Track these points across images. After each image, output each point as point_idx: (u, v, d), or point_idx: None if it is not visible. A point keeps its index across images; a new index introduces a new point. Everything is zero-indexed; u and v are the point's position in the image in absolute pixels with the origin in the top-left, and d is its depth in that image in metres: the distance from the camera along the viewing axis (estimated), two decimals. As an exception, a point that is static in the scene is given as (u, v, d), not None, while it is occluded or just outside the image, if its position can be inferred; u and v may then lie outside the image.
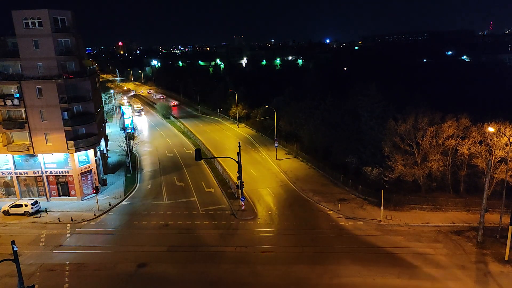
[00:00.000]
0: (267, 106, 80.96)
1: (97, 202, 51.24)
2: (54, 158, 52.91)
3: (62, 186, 54.08)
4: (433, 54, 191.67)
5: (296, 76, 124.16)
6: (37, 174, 53.18)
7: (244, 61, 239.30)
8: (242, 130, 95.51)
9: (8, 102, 49.94)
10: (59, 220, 47.57)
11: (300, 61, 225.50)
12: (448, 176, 48.40)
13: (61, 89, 50.73)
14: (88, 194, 54.77)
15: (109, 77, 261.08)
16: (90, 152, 55.10)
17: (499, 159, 43.33)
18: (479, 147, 44.98)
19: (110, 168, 67.90)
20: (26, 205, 48.77)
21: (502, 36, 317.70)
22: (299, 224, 44.79)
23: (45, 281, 35.27)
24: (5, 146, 51.40)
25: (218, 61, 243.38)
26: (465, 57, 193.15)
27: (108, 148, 74.36)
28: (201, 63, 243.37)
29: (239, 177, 48.64)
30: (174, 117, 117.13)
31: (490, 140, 43.76)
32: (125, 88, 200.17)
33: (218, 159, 66.14)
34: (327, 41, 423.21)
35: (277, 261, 37.40)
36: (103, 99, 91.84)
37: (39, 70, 50.13)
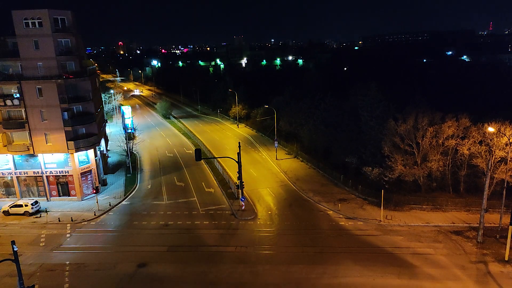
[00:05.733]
0: (267, 106, 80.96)
1: (97, 202, 51.25)
2: (54, 158, 52.90)
3: (62, 186, 54.07)
4: (433, 54, 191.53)
5: (296, 76, 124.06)
6: (37, 174, 53.17)
7: (244, 61, 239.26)
8: (242, 130, 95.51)
9: (8, 102, 49.94)
10: (59, 220, 47.57)
11: (300, 61, 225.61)
12: (448, 176, 48.39)
13: (61, 89, 50.73)
14: (88, 194, 54.77)
15: (109, 77, 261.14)
16: (90, 152, 55.10)
17: (499, 159, 43.32)
18: (479, 147, 44.98)
19: (110, 168, 67.90)
20: (26, 205, 48.76)
21: (502, 36, 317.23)
22: (299, 224, 44.79)
23: (45, 281, 35.27)
24: (5, 146, 51.40)
25: (218, 61, 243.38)
26: (465, 57, 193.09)
27: (108, 148, 74.35)
28: (201, 63, 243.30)
29: (239, 177, 48.63)
30: (174, 117, 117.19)
31: (490, 140, 43.75)
32: (125, 88, 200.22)
33: (218, 159, 66.13)
34: (327, 41, 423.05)
35: (277, 261, 37.40)
36: (103, 99, 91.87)
37: (39, 70, 50.12)
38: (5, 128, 50.87)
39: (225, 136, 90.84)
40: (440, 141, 47.56)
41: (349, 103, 65.05)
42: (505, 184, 39.57)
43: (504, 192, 38.87)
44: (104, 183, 59.98)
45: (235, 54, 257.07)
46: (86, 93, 54.16)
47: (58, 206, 51.87)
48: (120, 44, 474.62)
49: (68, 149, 51.71)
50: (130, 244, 41.67)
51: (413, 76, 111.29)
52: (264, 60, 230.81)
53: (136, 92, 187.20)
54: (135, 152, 76.68)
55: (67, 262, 38.20)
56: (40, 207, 50.27)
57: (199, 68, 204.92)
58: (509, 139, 41.02)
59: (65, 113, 51.38)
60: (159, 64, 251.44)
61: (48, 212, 49.85)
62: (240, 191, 49.21)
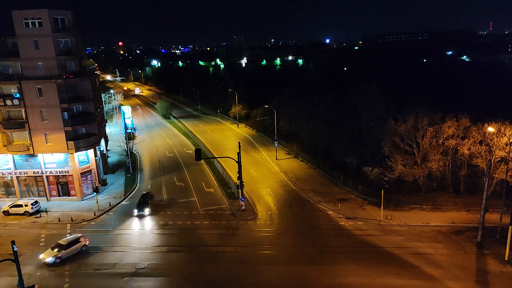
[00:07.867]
0: (267, 106, 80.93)
1: (97, 202, 51.23)
2: (54, 158, 52.89)
3: (62, 186, 54.06)
4: (433, 54, 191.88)
5: (296, 76, 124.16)
6: (37, 174, 53.16)
7: (244, 61, 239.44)
8: (242, 130, 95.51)
9: (8, 102, 49.92)
10: (59, 220, 47.57)
11: (300, 61, 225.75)
12: (448, 176, 48.38)
13: (61, 89, 50.71)
14: (88, 194, 54.75)
15: (109, 77, 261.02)
16: (90, 152, 55.08)
17: (499, 159, 43.34)
18: (479, 147, 44.97)
19: (110, 168, 67.89)
20: (26, 205, 48.75)
21: (502, 36, 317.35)
22: (299, 224, 44.78)
23: (45, 281, 35.27)
24: (5, 146, 51.39)
25: (218, 61, 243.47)
26: (465, 57, 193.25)
27: (108, 148, 74.33)
28: (201, 63, 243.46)
29: (239, 177, 48.63)
30: (174, 117, 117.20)
31: (490, 140, 43.77)
32: (125, 88, 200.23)
33: (218, 159, 66.13)
34: (327, 41, 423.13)
35: (277, 261, 37.40)
36: (103, 99, 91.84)
37: (39, 70, 50.10)
38: (5, 128, 50.86)
39: (225, 136, 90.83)
40: (440, 141, 47.55)
41: (349, 103, 65.03)
42: (505, 184, 39.56)
43: (504, 192, 38.88)
44: (104, 183, 59.97)
45: (235, 54, 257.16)
46: (86, 93, 54.14)
47: (58, 206, 51.85)
48: (120, 44, 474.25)
49: (68, 149, 51.69)
50: (130, 244, 41.68)
51: (413, 76, 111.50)
52: (264, 60, 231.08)
53: (137, 91, 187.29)
54: (135, 152, 76.66)
55: (67, 262, 38.18)
56: (40, 207, 50.25)
57: (199, 68, 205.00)
58: (509, 139, 41.00)
59: (65, 113, 51.35)
60: (159, 64, 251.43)
61: (48, 212, 49.84)
62: (240, 191, 49.20)
